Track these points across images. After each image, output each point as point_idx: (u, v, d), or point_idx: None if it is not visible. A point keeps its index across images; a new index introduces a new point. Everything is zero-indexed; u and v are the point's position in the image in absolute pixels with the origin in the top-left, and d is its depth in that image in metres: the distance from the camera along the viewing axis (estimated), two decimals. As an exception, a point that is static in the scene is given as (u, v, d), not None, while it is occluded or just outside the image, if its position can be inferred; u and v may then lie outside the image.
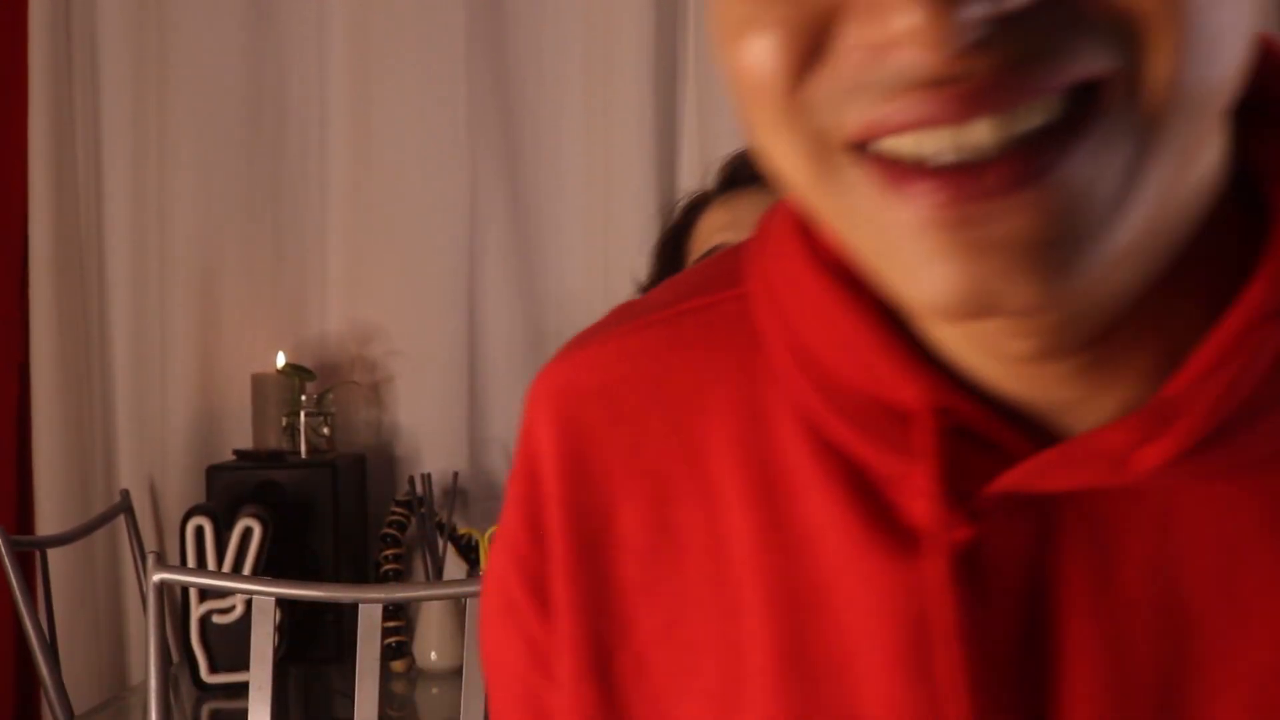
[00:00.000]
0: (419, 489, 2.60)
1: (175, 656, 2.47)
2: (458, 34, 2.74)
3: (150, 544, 2.68)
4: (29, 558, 2.35)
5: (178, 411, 2.75)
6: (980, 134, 0.39)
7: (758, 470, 0.53)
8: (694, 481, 0.55)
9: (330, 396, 2.68)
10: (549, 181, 2.74)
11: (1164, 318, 0.46)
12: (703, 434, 0.55)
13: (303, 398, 2.64)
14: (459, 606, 2.33)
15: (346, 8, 2.74)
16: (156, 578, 1.54)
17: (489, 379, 2.75)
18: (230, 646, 2.35)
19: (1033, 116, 0.39)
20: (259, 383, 2.71)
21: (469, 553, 2.53)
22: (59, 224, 2.72)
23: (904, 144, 0.40)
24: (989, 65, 0.38)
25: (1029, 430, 0.48)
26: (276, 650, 1.73)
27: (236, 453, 2.65)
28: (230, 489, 2.51)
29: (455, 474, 2.68)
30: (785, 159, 0.43)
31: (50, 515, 2.68)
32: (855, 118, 0.40)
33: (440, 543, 2.54)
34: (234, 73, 2.78)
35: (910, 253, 0.40)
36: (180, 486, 2.72)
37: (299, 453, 2.62)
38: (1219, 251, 0.46)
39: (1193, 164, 0.42)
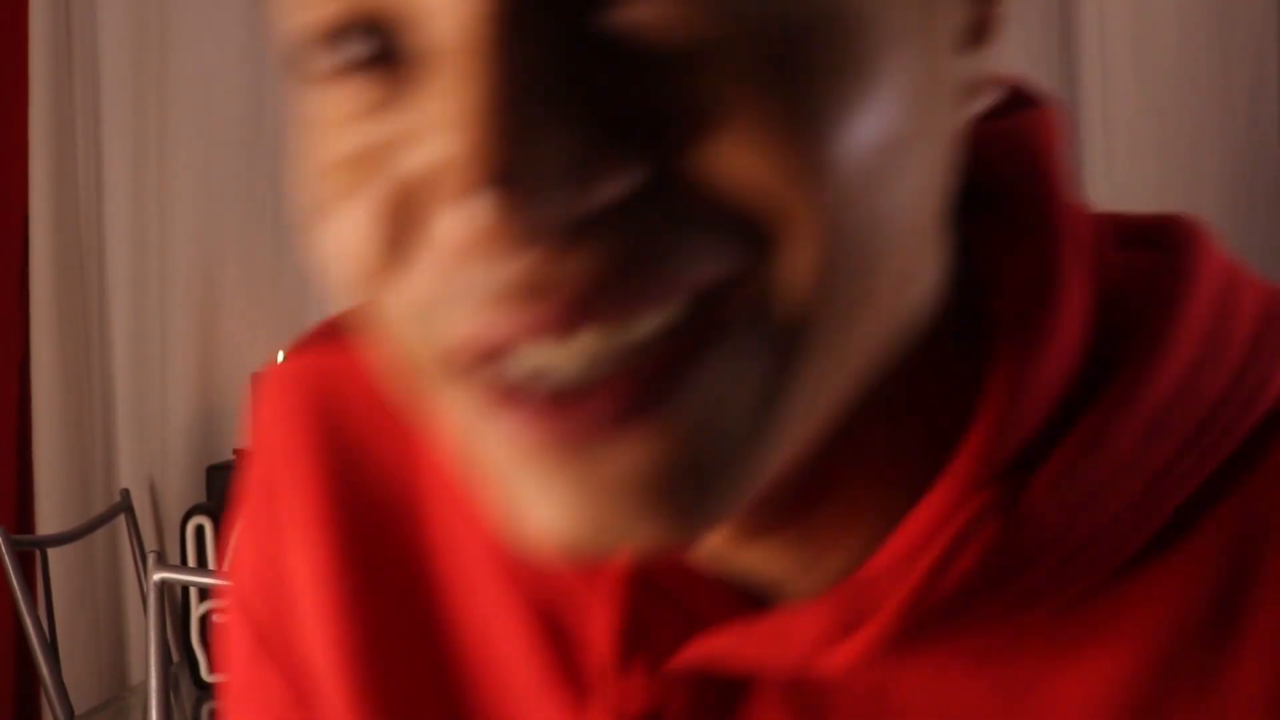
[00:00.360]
0: (419, 489, 2.59)
1: (175, 656, 2.47)
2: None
3: (150, 543, 2.68)
4: (29, 557, 2.35)
5: (178, 411, 2.75)
6: (584, 349, 0.32)
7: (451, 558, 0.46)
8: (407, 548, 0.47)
9: (330, 396, 2.68)
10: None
11: (882, 483, 0.40)
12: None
13: (303, 397, 2.64)
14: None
15: (347, 7, 2.74)
16: (157, 577, 1.53)
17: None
18: (230, 646, 2.34)
19: (646, 326, 0.32)
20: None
21: (469, 552, 2.53)
22: (59, 223, 2.72)
23: (504, 360, 0.33)
24: (585, 270, 0.31)
25: (749, 600, 0.41)
26: (277, 650, 1.73)
27: (237, 452, 2.65)
28: (231, 488, 2.51)
29: (455, 474, 2.68)
30: (388, 353, 0.36)
31: (50, 515, 2.68)
32: (449, 326, 0.33)
33: (440, 542, 2.54)
34: (234, 72, 2.78)
35: (516, 483, 0.34)
36: (180, 486, 2.72)
37: (299, 452, 2.62)
38: (950, 392, 0.39)
39: (863, 352, 0.35)
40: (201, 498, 2.55)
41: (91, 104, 2.76)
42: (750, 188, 0.31)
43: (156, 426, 2.75)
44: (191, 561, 2.33)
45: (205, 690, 2.35)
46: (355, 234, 0.34)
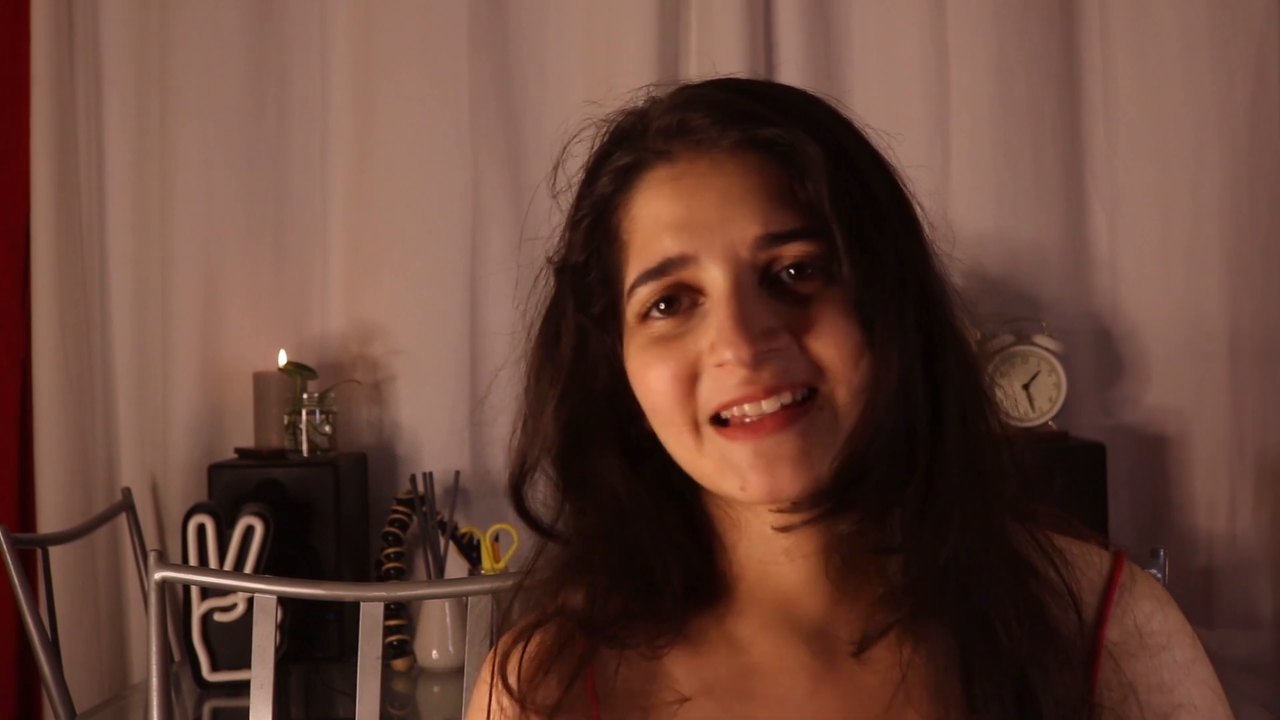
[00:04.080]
0: (420, 488, 2.60)
1: (177, 655, 2.48)
2: (460, 33, 2.75)
3: (152, 542, 2.69)
4: (30, 556, 2.36)
5: (179, 409, 2.75)
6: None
7: None
8: None
9: (332, 395, 2.69)
10: (550, 181, 2.73)
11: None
12: None
13: (304, 396, 2.65)
14: (460, 605, 2.33)
15: (348, 6, 2.74)
16: (158, 576, 1.54)
17: (490, 378, 2.74)
18: (232, 645, 2.35)
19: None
20: (261, 381, 2.71)
21: (470, 552, 2.53)
22: (61, 222, 2.72)
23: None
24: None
25: None
26: (278, 649, 1.73)
27: (238, 451, 2.66)
28: (232, 487, 2.52)
29: (457, 473, 2.68)
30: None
31: (52, 513, 2.68)
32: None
33: (442, 541, 2.55)
34: (236, 71, 2.78)
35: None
36: (182, 485, 2.72)
37: (300, 451, 2.62)
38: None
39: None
40: (203, 496, 2.56)
41: (94, 102, 2.76)
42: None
43: (158, 425, 2.75)
44: (193, 560, 2.34)
45: (206, 689, 2.36)
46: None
